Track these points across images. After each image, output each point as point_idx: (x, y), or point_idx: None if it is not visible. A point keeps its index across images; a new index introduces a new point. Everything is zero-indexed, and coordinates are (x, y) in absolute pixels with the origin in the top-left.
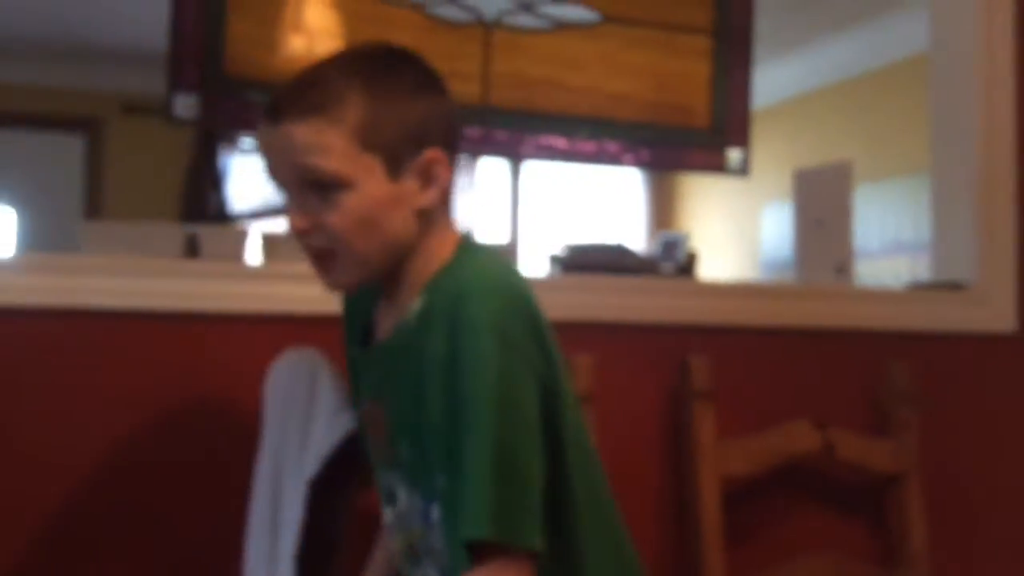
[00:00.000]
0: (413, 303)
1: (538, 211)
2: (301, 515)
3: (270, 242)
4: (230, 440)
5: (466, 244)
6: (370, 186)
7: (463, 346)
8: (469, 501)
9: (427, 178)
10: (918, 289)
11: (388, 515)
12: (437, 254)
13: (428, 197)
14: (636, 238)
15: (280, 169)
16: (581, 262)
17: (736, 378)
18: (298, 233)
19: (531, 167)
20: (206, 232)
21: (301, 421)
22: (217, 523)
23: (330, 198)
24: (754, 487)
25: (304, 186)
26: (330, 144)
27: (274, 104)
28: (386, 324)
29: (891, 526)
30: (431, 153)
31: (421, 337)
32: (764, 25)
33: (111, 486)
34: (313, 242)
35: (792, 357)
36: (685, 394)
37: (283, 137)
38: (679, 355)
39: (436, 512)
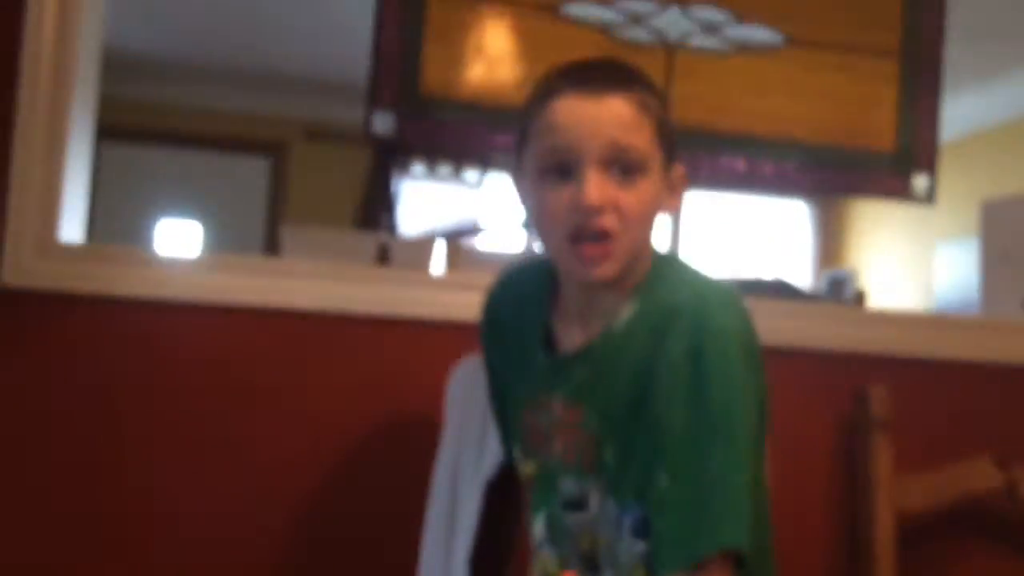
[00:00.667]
0: (622, 309)
1: (700, 244)
2: (477, 517)
3: (453, 253)
4: (412, 440)
5: (661, 255)
6: (656, 178)
7: (711, 353)
8: (728, 512)
9: (674, 191)
10: None
11: (564, 523)
12: (643, 263)
13: (671, 206)
14: (802, 275)
15: (589, 141)
16: (751, 292)
17: (915, 410)
18: (591, 208)
19: (695, 197)
20: (397, 243)
21: (479, 425)
22: (396, 522)
23: (630, 180)
24: (931, 525)
25: (609, 163)
26: (645, 126)
27: (588, 76)
28: (575, 329)
29: None
30: (680, 169)
31: (633, 342)
32: (948, 57)
33: (298, 482)
34: (604, 221)
35: (973, 391)
36: (862, 424)
37: (606, 108)
38: (855, 384)
39: (628, 520)
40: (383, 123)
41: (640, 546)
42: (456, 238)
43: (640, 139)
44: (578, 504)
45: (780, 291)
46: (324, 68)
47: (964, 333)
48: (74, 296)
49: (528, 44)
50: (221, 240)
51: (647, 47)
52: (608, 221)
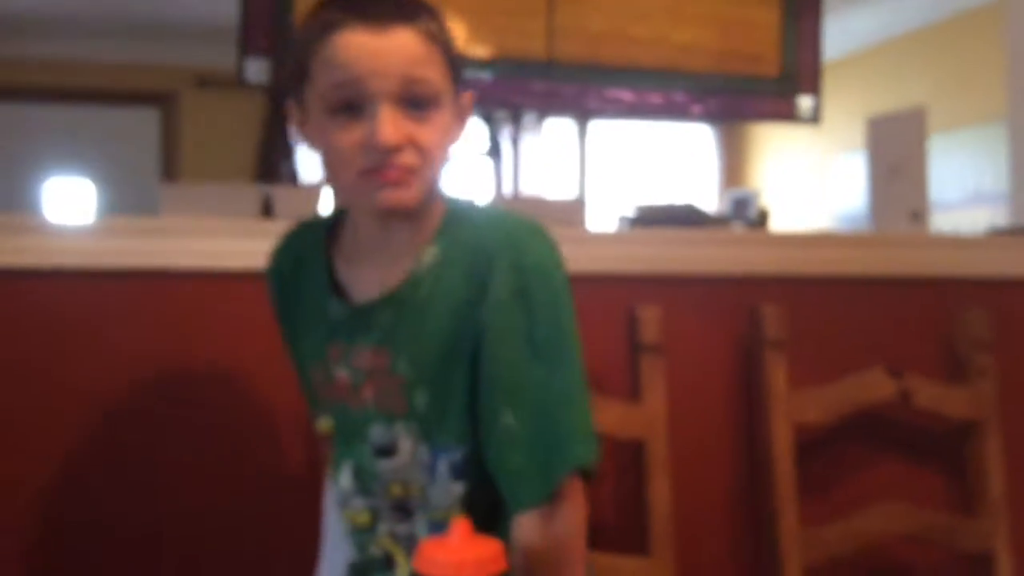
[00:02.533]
0: (424, 252)
1: (606, 171)
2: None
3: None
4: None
5: (453, 198)
6: (448, 109)
7: (537, 288)
8: (576, 433)
9: (461, 119)
10: (994, 235)
11: (373, 472)
12: (437, 203)
13: (461, 134)
14: (707, 196)
15: (379, 78)
16: (650, 222)
17: (809, 328)
18: (387, 148)
19: (599, 126)
20: (280, 192)
21: None
22: (299, 481)
23: (424, 114)
24: (828, 437)
25: (401, 99)
26: (435, 58)
27: (370, 7)
28: (367, 274)
29: (968, 475)
30: (468, 97)
31: (443, 285)
32: None
33: (179, 448)
34: (404, 158)
35: (866, 306)
36: (756, 343)
37: (395, 41)
38: (751, 306)
39: (444, 463)
40: (256, 70)
41: (458, 488)
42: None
43: (432, 72)
44: (388, 450)
45: (691, 216)
46: (211, 13)
47: (854, 249)
48: None
49: None
50: (113, 197)
51: None
52: (407, 158)
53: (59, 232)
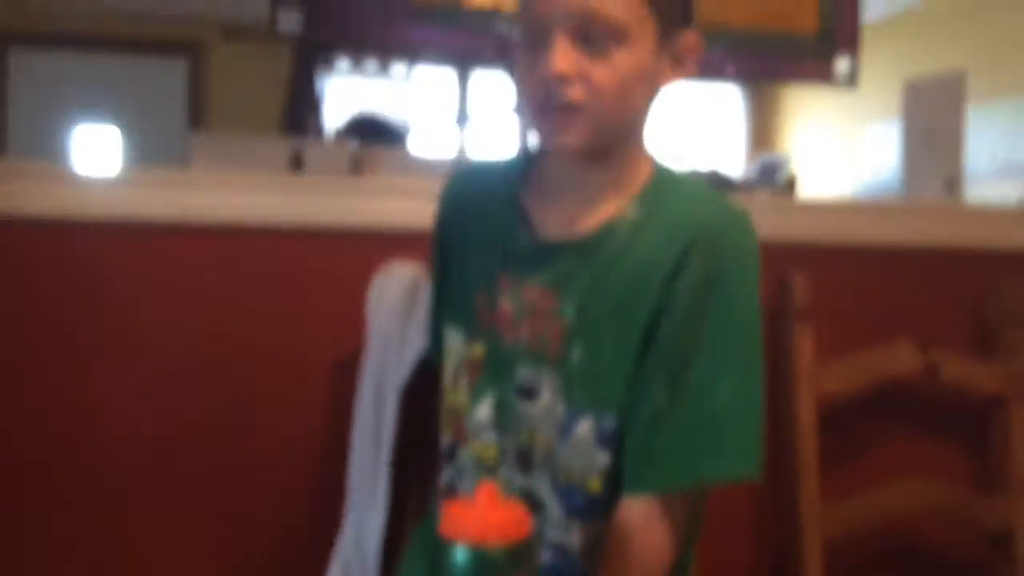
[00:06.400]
0: (628, 205)
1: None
2: (395, 422)
3: (371, 157)
4: (337, 350)
5: (660, 164)
6: (641, 49)
7: (732, 279)
8: (743, 441)
9: (678, 62)
10: None
11: (515, 410)
12: (644, 160)
13: (674, 80)
14: (734, 159)
15: (557, 8)
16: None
17: (837, 297)
18: (556, 78)
19: None
20: (310, 146)
21: (401, 332)
22: (324, 433)
23: (602, 51)
24: (852, 409)
25: (577, 31)
26: None
27: None
28: (555, 212)
29: (993, 450)
30: (691, 36)
31: (638, 245)
32: None
33: (211, 402)
34: (569, 92)
35: (896, 276)
36: (784, 313)
37: None
38: (778, 274)
39: (583, 426)
40: (289, 20)
41: (603, 457)
42: (381, 135)
43: (615, 6)
44: (530, 393)
45: (714, 182)
46: None
47: (885, 218)
48: None
49: None
50: (140, 145)
51: None
52: (575, 92)
53: (87, 183)
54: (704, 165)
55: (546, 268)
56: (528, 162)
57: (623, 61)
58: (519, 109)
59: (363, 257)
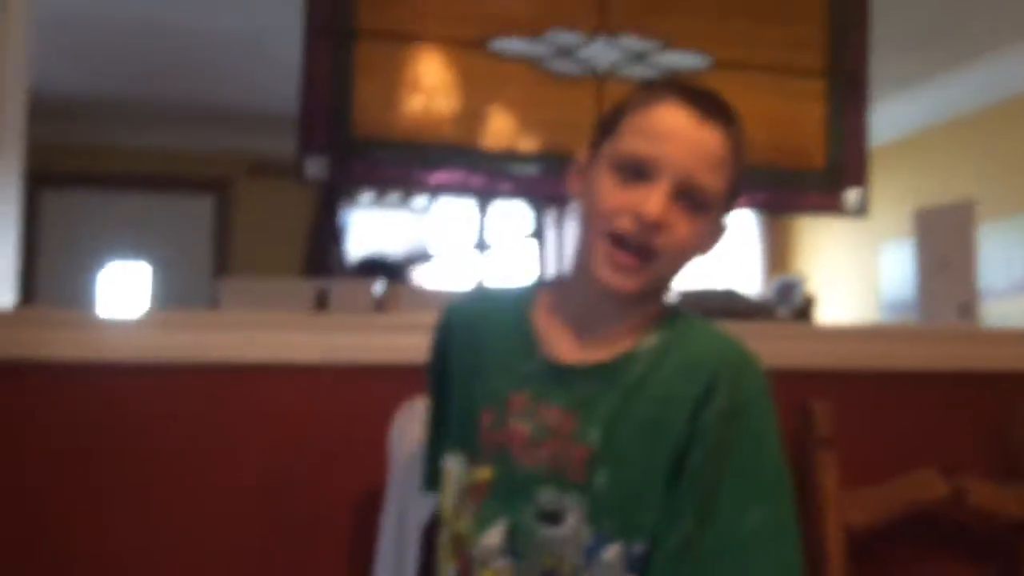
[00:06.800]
0: (644, 336)
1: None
2: (416, 564)
3: (394, 294)
4: (360, 486)
5: (668, 297)
6: (711, 221)
7: (757, 413)
8: (770, 567)
9: (714, 235)
10: None
11: (533, 535)
12: (660, 299)
13: (708, 250)
14: (751, 281)
15: (676, 159)
16: (692, 310)
17: (859, 424)
18: (652, 221)
19: None
20: (335, 286)
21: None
22: (347, 569)
23: (692, 212)
24: (880, 538)
25: (681, 188)
26: (727, 167)
27: (701, 97)
28: (566, 339)
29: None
30: (726, 219)
31: (658, 373)
32: (881, 63)
33: (238, 538)
34: (650, 236)
35: (917, 401)
36: (807, 441)
37: (707, 135)
38: (798, 401)
39: (610, 552)
40: (316, 166)
41: None
42: (407, 266)
43: (717, 181)
44: (555, 517)
45: (730, 300)
46: (264, 102)
47: (904, 344)
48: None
49: (459, 80)
50: (170, 281)
51: (577, 79)
52: (654, 237)
53: (113, 326)
54: (719, 286)
55: (566, 390)
56: (542, 288)
57: (700, 227)
58: (583, 223)
59: (385, 392)
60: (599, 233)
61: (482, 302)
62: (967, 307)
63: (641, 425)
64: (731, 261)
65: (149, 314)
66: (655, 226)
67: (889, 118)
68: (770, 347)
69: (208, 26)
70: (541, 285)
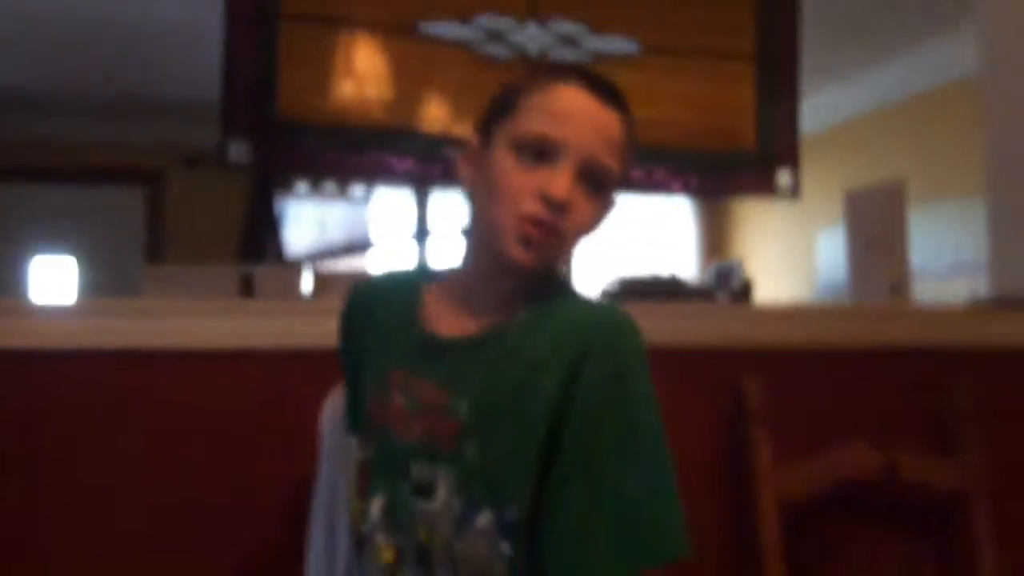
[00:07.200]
0: (520, 311)
1: (586, 244)
2: (350, 543)
3: (321, 279)
4: (288, 472)
5: (558, 275)
6: (607, 199)
7: (633, 377)
8: (667, 522)
9: (605, 213)
10: (976, 306)
11: (409, 509)
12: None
13: (597, 229)
14: (688, 268)
15: (581, 140)
16: (634, 295)
17: (792, 401)
18: (560, 202)
19: None
20: (261, 272)
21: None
22: (277, 557)
23: (592, 193)
24: (815, 511)
25: (583, 169)
26: (623, 152)
27: (598, 81)
28: (450, 316)
29: (958, 548)
30: (614, 197)
31: (528, 345)
32: (811, 54)
33: (169, 524)
34: (556, 218)
35: (849, 378)
36: (740, 418)
37: (608, 118)
38: (733, 379)
39: (482, 519)
40: (238, 151)
41: (505, 547)
42: (347, 254)
43: (616, 163)
44: (426, 490)
45: (675, 288)
46: (198, 93)
47: (836, 322)
48: None
49: (388, 64)
50: (97, 275)
51: (507, 62)
52: (559, 219)
53: (41, 313)
54: (663, 272)
55: (438, 365)
56: (432, 271)
57: (598, 207)
58: (487, 203)
59: (316, 377)
60: (506, 214)
61: (382, 283)
62: (899, 286)
63: (511, 396)
64: (667, 246)
65: (76, 302)
66: (562, 207)
67: (820, 107)
68: (705, 327)
69: (140, 16)
70: (433, 268)
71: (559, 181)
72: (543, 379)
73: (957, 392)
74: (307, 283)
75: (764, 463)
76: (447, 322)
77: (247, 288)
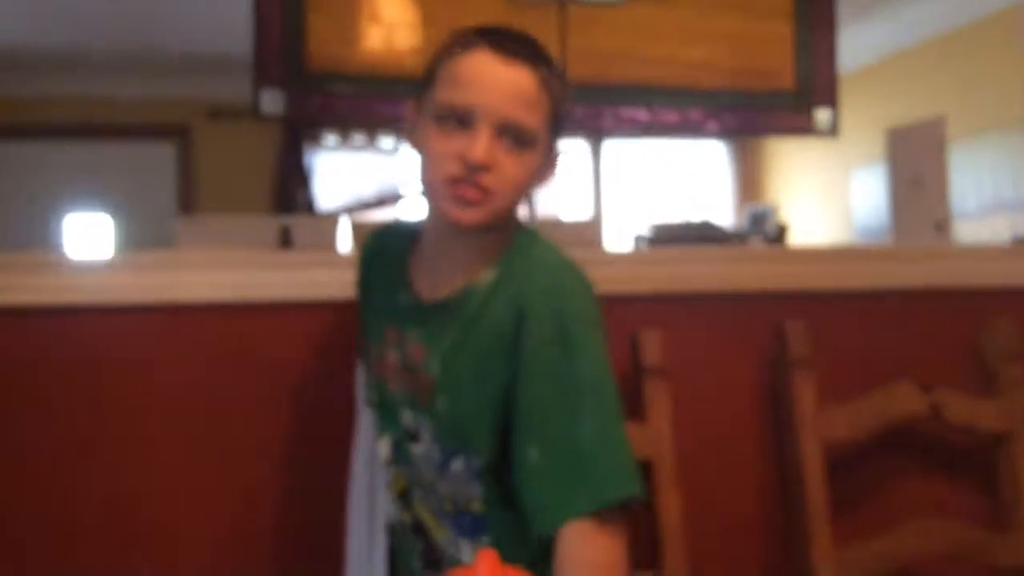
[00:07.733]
0: (486, 272)
1: (621, 191)
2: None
3: (359, 230)
4: (327, 422)
5: (523, 230)
6: (539, 153)
7: (577, 335)
8: (616, 467)
9: (551, 165)
10: (1019, 244)
11: (407, 449)
12: (510, 230)
13: (547, 178)
14: (723, 212)
15: (490, 104)
16: (667, 241)
17: (835, 343)
18: (476, 163)
19: (613, 146)
20: (298, 223)
21: None
22: (317, 508)
23: (517, 150)
24: (858, 454)
25: (501, 129)
26: (543, 105)
27: (504, 40)
28: (427, 277)
29: (1002, 488)
30: (561, 147)
31: (491, 307)
32: None
33: (208, 477)
34: (482, 179)
35: (891, 320)
36: (783, 362)
37: (514, 75)
38: (774, 323)
39: (456, 464)
40: (272, 102)
41: (476, 488)
42: (378, 207)
43: (534, 117)
44: (414, 436)
45: (708, 232)
46: (221, 45)
47: (878, 263)
48: None
49: (419, 10)
50: (133, 231)
51: (542, 4)
52: (488, 180)
53: (77, 269)
54: (696, 217)
55: (420, 325)
56: (417, 234)
57: (528, 162)
58: (423, 174)
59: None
60: (437, 181)
61: (387, 236)
62: (941, 225)
63: (474, 356)
64: (703, 191)
65: (110, 257)
66: (483, 167)
67: (856, 45)
68: (744, 271)
69: None
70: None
71: (476, 144)
72: (499, 343)
73: (1000, 331)
74: (345, 234)
75: (807, 407)
76: (427, 282)
77: (285, 240)
